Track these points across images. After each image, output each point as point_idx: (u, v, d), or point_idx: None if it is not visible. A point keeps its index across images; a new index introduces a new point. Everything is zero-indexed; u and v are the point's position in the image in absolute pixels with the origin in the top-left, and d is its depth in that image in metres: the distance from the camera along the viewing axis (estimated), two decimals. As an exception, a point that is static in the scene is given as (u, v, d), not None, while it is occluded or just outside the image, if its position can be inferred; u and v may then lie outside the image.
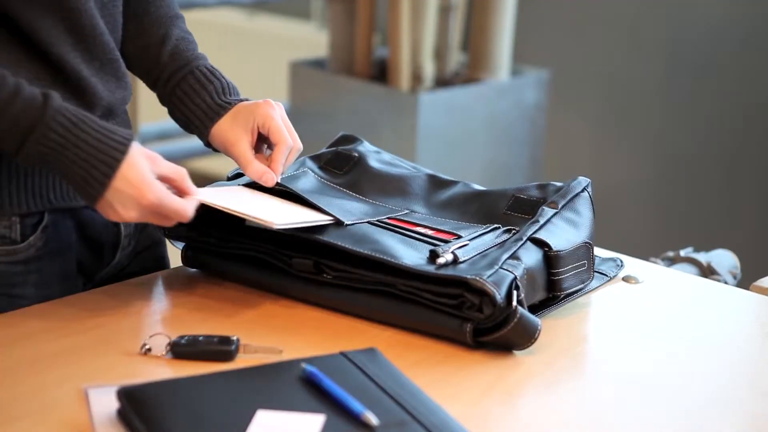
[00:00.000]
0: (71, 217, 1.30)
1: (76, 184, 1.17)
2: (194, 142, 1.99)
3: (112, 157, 1.16)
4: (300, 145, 1.32)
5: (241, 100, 1.35)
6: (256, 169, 1.29)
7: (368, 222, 1.30)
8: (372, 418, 0.97)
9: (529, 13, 3.37)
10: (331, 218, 1.27)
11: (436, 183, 1.42)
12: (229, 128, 1.32)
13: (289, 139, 1.30)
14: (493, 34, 3.13)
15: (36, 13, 1.21)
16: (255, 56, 4.27)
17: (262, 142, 1.33)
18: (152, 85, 1.39)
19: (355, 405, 0.98)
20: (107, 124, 1.19)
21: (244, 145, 1.30)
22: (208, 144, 1.36)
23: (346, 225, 1.27)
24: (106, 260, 1.35)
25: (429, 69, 3.12)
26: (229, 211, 1.23)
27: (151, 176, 1.17)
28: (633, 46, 3.31)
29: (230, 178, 1.39)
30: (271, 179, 1.29)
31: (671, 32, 3.23)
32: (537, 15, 3.44)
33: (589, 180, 1.37)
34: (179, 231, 1.33)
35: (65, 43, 1.24)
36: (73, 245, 1.31)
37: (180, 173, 1.20)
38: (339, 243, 1.23)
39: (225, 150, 1.33)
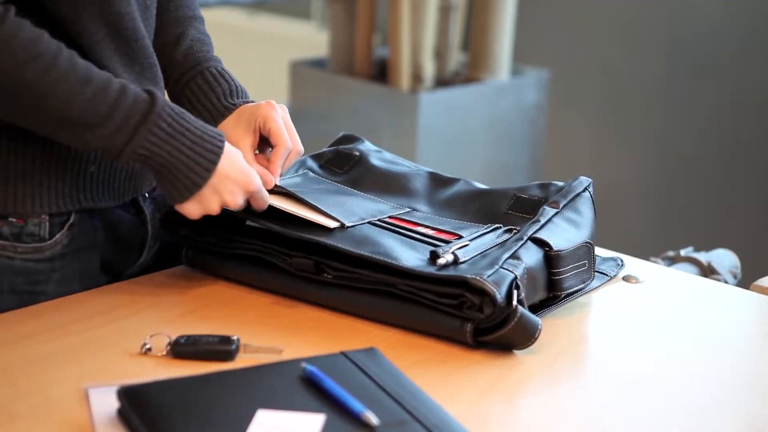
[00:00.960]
0: (99, 217, 1.31)
1: (178, 176, 1.20)
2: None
3: (215, 145, 1.22)
4: (300, 148, 1.33)
5: (247, 102, 1.35)
6: (257, 170, 1.30)
7: (369, 222, 1.30)
8: (372, 418, 0.97)
9: (529, 13, 3.37)
10: (333, 220, 1.27)
11: (438, 181, 1.42)
12: (232, 129, 1.32)
13: (288, 141, 1.31)
14: (494, 34, 3.13)
15: (80, 16, 1.22)
16: (255, 56, 4.27)
17: (266, 144, 1.34)
18: (164, 84, 1.39)
19: (356, 405, 0.98)
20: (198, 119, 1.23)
21: (245, 145, 1.31)
22: None
23: (347, 227, 1.27)
24: (133, 259, 1.36)
25: (429, 69, 3.12)
26: (293, 213, 1.27)
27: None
28: (633, 46, 3.31)
29: None
30: (269, 181, 1.29)
31: (671, 32, 3.23)
32: (537, 15, 3.44)
33: (590, 180, 1.37)
34: (181, 232, 1.33)
35: (107, 48, 1.25)
36: (99, 244, 1.32)
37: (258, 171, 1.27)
38: (340, 245, 1.23)
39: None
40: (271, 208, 1.28)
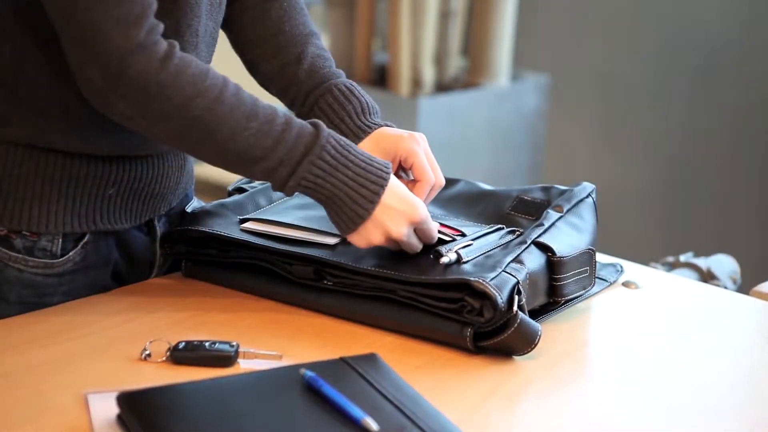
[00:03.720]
0: (113, 236, 1.31)
1: (343, 207, 1.20)
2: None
3: (379, 177, 1.20)
4: (442, 182, 1.32)
5: (382, 124, 1.34)
6: None
7: None
8: (372, 424, 0.97)
9: (529, 18, 3.37)
10: (333, 237, 1.27)
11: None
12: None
13: (432, 177, 1.29)
14: (493, 40, 3.14)
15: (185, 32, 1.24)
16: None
17: (400, 169, 1.33)
18: (290, 104, 1.39)
19: (355, 410, 0.98)
20: (365, 151, 1.23)
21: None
22: None
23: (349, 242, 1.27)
24: (142, 277, 1.36)
25: (429, 74, 3.12)
26: (293, 237, 1.29)
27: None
28: (632, 52, 3.32)
29: (230, 193, 1.40)
30: None
31: (670, 37, 3.23)
32: (537, 20, 3.44)
33: (593, 186, 1.37)
34: (179, 249, 1.33)
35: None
36: (111, 262, 1.32)
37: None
38: (341, 260, 1.23)
39: None
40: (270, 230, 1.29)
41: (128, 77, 1.12)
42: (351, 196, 1.20)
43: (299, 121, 1.20)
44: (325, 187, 1.19)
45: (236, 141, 1.17)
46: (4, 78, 1.21)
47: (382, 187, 1.20)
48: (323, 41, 1.43)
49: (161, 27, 1.15)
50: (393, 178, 1.22)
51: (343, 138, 1.21)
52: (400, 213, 1.20)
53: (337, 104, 1.34)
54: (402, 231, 1.20)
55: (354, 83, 1.37)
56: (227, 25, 1.40)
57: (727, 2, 3.12)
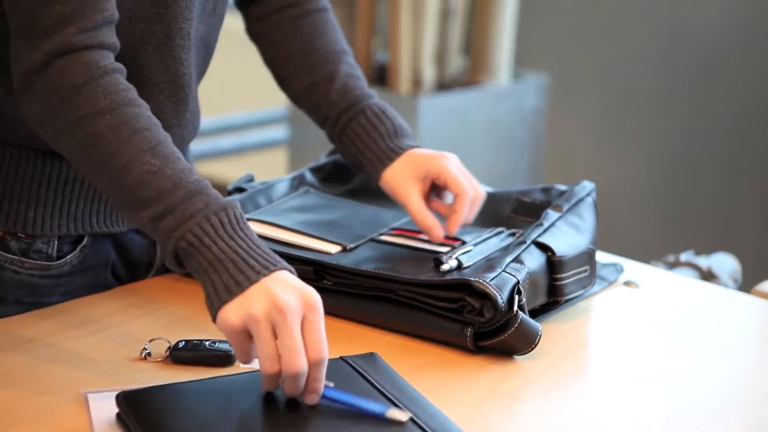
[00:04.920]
0: (111, 238, 1.31)
1: (228, 270, 1.01)
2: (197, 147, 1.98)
3: (277, 260, 1.03)
4: (483, 193, 1.30)
5: (412, 146, 1.33)
6: (426, 222, 1.27)
7: (371, 239, 1.30)
8: (399, 414, 0.96)
9: (529, 17, 3.37)
10: (335, 245, 1.27)
11: None
12: (400, 176, 1.30)
13: (469, 190, 1.28)
14: (494, 38, 3.13)
15: (140, 60, 1.21)
16: (255, 61, 4.27)
17: (432, 192, 1.32)
18: (321, 123, 1.38)
19: (377, 406, 0.98)
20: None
21: (414, 194, 1.29)
22: (377, 185, 1.34)
23: (350, 248, 1.27)
24: (139, 278, 1.36)
25: (429, 73, 3.11)
26: (295, 243, 1.28)
27: None
28: (632, 51, 3.31)
29: (230, 193, 1.40)
30: (438, 235, 1.27)
31: (671, 37, 3.23)
32: (537, 19, 3.44)
33: (593, 185, 1.37)
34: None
35: (161, 93, 1.24)
36: (109, 264, 1.32)
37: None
38: (341, 263, 1.23)
39: (394, 195, 1.31)
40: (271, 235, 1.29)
41: (48, 73, 1.07)
42: (239, 265, 1.01)
43: (209, 185, 1.06)
44: (211, 250, 1.01)
45: (130, 172, 1.04)
46: (2, 78, 1.20)
47: (280, 263, 1.03)
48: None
49: (112, 42, 1.10)
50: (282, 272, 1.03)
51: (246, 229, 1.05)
52: (293, 287, 1.01)
53: (369, 126, 1.33)
54: (289, 299, 0.98)
55: (386, 105, 1.36)
56: (258, 41, 1.40)
57: (728, 2, 3.11)
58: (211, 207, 1.03)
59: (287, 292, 0.99)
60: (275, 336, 0.98)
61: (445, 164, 1.28)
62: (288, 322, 0.98)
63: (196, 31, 1.26)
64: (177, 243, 1.02)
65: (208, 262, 1.01)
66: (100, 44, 1.09)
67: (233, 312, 0.99)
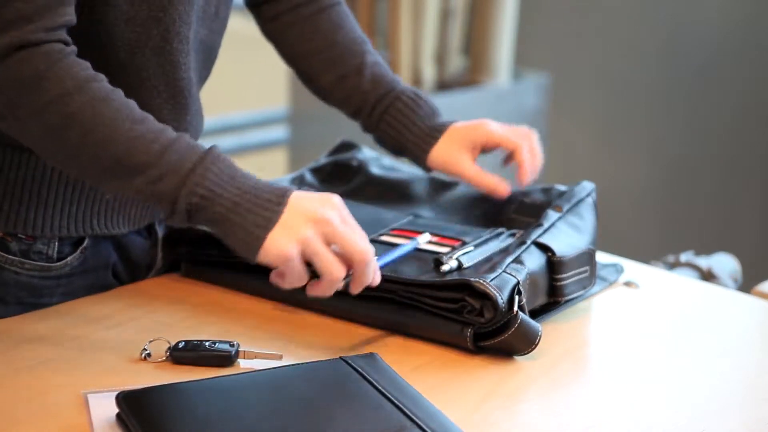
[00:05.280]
0: (112, 240, 1.31)
1: (247, 216, 1.05)
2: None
3: (285, 188, 1.08)
4: (534, 134, 1.36)
5: (451, 122, 1.38)
6: (491, 180, 1.35)
7: (371, 240, 1.30)
8: (423, 237, 1.12)
9: (529, 17, 3.37)
10: None
11: (438, 185, 1.43)
12: (448, 150, 1.36)
13: (522, 141, 1.34)
14: (494, 38, 3.13)
15: (137, 64, 1.20)
16: (255, 60, 4.26)
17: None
18: (354, 114, 1.40)
19: (407, 246, 1.11)
20: None
21: (467, 161, 1.35)
22: (424, 166, 1.39)
23: None
24: (140, 278, 1.36)
25: (429, 73, 3.12)
26: None
27: None
28: (633, 51, 3.31)
29: None
30: (505, 189, 1.34)
31: (671, 37, 3.23)
32: (538, 19, 3.43)
33: (593, 185, 1.37)
34: (180, 250, 1.33)
35: (159, 97, 1.24)
36: (109, 265, 1.32)
37: None
38: None
39: (447, 169, 1.37)
40: None
41: (5, 66, 1.06)
42: (257, 201, 1.06)
43: (187, 137, 1.09)
44: (224, 197, 1.05)
45: (116, 142, 1.05)
46: None
47: (284, 186, 1.09)
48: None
49: (70, 40, 1.09)
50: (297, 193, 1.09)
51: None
52: (315, 199, 1.07)
53: (408, 110, 1.37)
54: (324, 210, 1.05)
55: (415, 88, 1.40)
56: (274, 39, 1.42)
57: (728, 2, 3.11)
58: (206, 158, 1.06)
59: (317, 206, 1.06)
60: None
61: (489, 129, 1.35)
62: (336, 228, 1.05)
63: (196, 34, 1.26)
64: (189, 200, 1.05)
65: (226, 209, 1.05)
66: (59, 40, 1.09)
67: (284, 243, 1.05)
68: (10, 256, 1.24)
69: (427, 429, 0.97)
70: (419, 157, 1.38)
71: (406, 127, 1.36)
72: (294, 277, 1.07)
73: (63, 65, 1.07)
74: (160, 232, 1.35)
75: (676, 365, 1.18)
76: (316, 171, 1.46)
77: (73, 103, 1.06)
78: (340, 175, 1.46)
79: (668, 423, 1.06)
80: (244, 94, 3.64)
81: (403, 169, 1.47)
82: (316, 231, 1.05)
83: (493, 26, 3.13)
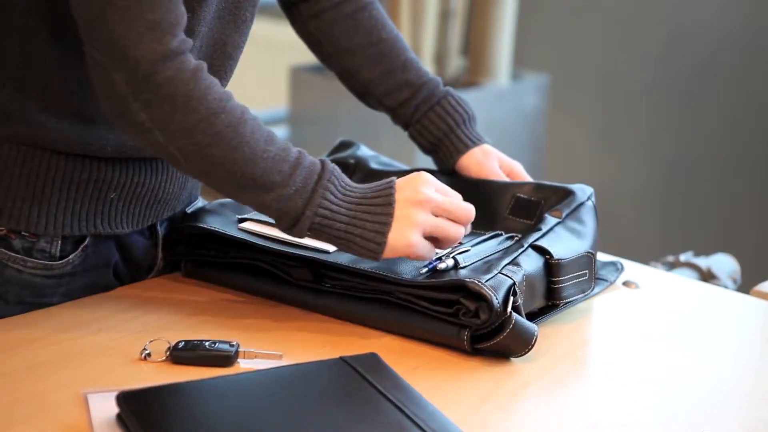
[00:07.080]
0: (114, 239, 1.31)
1: (365, 225, 1.16)
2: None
3: (387, 184, 1.19)
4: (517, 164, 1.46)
5: (486, 141, 1.44)
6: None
7: None
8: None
9: (529, 17, 3.37)
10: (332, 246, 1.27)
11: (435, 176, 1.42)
12: (477, 160, 1.41)
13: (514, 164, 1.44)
14: (493, 39, 3.13)
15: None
16: (255, 60, 4.26)
17: None
18: (396, 105, 1.44)
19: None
20: None
21: (495, 167, 1.42)
22: (450, 165, 1.43)
23: None
24: (140, 278, 1.36)
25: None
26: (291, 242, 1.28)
27: None
28: (632, 51, 3.31)
29: None
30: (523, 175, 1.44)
31: (670, 37, 3.23)
32: (537, 20, 3.44)
33: (592, 189, 1.36)
34: (180, 250, 1.33)
35: None
36: (111, 264, 1.32)
37: None
38: (338, 262, 1.23)
39: (472, 173, 1.42)
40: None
41: (156, 83, 1.10)
42: (369, 209, 1.17)
43: (308, 155, 1.18)
44: (341, 213, 1.16)
45: (256, 163, 1.14)
46: (12, 74, 1.20)
47: (392, 187, 1.18)
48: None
49: (190, 42, 1.14)
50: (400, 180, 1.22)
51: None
52: (411, 185, 1.18)
53: (453, 111, 1.43)
54: (424, 191, 1.17)
55: (455, 92, 1.46)
56: (315, 37, 1.44)
57: (727, 2, 3.12)
58: (324, 175, 1.16)
59: (417, 188, 1.17)
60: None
61: (515, 163, 1.43)
62: (440, 202, 1.18)
63: (211, 34, 1.26)
64: (312, 219, 1.15)
65: (345, 225, 1.16)
66: (187, 46, 1.13)
67: (405, 235, 1.16)
68: (12, 254, 1.24)
69: (427, 429, 0.97)
70: (447, 161, 1.42)
71: (445, 132, 1.42)
72: (425, 254, 1.18)
73: (205, 83, 1.13)
74: (161, 232, 1.35)
75: (676, 365, 1.18)
76: None
77: (219, 124, 1.12)
78: None
79: (667, 423, 1.06)
80: (244, 94, 3.64)
81: (400, 165, 1.47)
82: (425, 210, 1.17)
83: (493, 27, 3.13)
